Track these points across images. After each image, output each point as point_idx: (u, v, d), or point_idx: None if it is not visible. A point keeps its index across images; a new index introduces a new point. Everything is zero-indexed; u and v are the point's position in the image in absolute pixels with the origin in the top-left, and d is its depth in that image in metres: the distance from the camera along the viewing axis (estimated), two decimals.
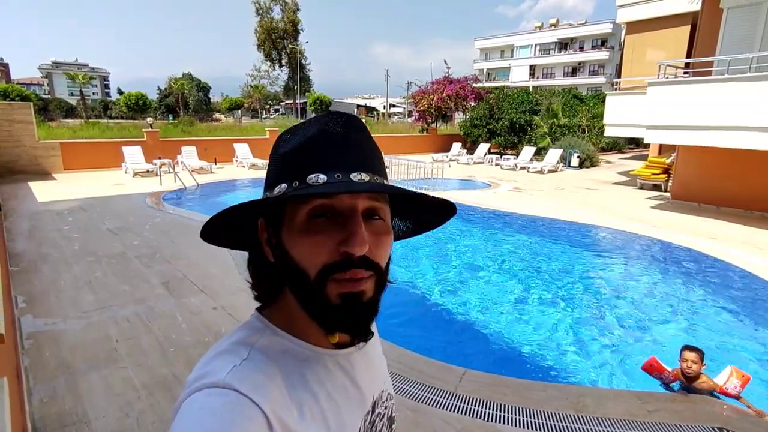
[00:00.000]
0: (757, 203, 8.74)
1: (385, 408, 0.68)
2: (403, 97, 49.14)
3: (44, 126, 17.01)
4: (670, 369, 3.14)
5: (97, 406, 2.66)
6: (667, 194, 10.66)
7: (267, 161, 0.61)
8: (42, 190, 9.68)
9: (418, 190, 0.60)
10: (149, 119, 16.94)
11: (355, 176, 0.52)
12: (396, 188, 0.53)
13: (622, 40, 33.05)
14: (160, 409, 2.65)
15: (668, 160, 11.69)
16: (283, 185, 0.53)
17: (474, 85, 23.17)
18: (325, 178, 0.51)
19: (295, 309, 0.56)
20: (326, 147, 0.53)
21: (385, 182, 0.56)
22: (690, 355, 3.01)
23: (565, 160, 16.31)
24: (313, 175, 0.51)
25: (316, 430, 0.52)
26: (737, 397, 2.92)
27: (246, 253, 0.64)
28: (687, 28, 16.62)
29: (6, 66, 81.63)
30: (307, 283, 0.53)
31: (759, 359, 3.84)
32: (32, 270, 4.95)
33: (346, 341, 0.61)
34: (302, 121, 0.58)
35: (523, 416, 2.67)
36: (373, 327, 0.68)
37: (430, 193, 0.60)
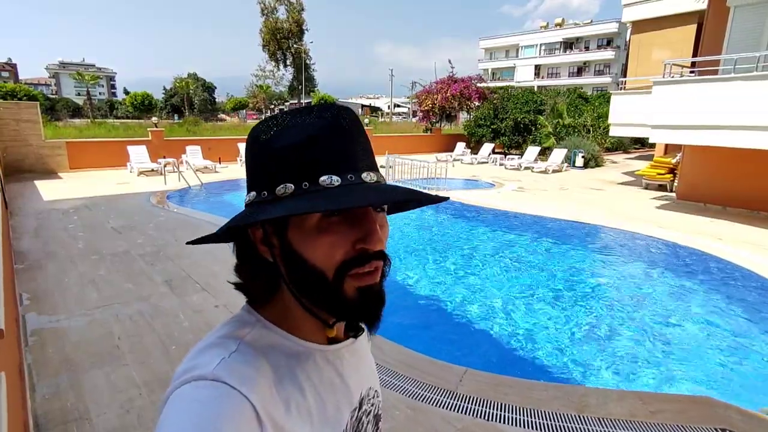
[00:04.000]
0: (764, 204, 8.66)
1: (372, 405, 0.68)
2: (408, 97, 49.09)
3: (51, 125, 17.16)
4: None
5: (99, 403, 2.68)
6: (673, 194, 10.58)
7: None
8: (48, 189, 9.75)
9: (423, 190, 0.59)
10: (154, 119, 17.02)
11: (366, 176, 0.52)
12: (410, 194, 0.52)
13: (627, 39, 32.82)
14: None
15: (674, 160, 11.60)
16: (290, 185, 0.51)
17: (478, 84, 23.10)
18: (339, 180, 0.50)
19: (290, 305, 0.56)
20: (333, 143, 0.51)
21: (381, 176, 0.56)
22: None
23: (569, 160, 16.23)
24: (325, 177, 0.50)
25: (301, 426, 0.52)
26: None
27: None
28: (693, 27, 16.48)
29: (14, 66, 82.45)
30: (326, 283, 0.52)
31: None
32: (37, 268, 4.99)
33: (338, 337, 0.61)
34: (282, 111, 0.55)
35: (524, 416, 2.65)
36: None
37: (433, 194, 0.59)
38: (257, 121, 0.77)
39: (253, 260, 0.57)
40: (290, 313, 0.57)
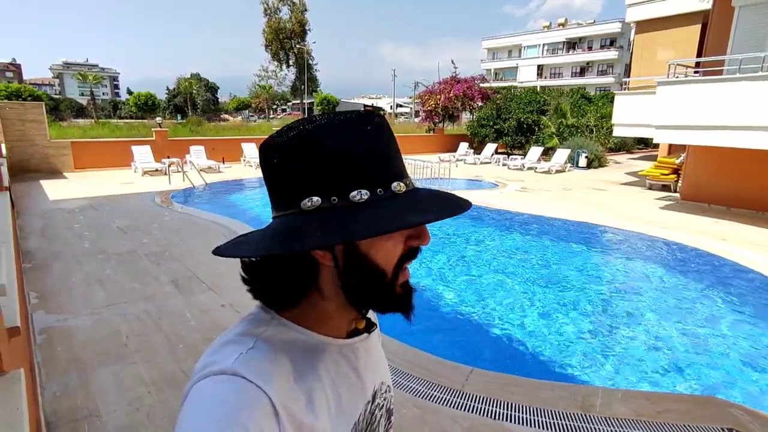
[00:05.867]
0: None
1: (384, 399, 0.69)
2: (410, 97, 49.07)
3: (55, 125, 17.24)
4: None
5: (108, 401, 2.70)
6: (677, 195, 10.56)
7: None
8: (53, 189, 9.81)
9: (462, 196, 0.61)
10: (158, 119, 17.08)
11: (409, 184, 0.57)
12: (460, 209, 0.55)
13: (631, 39, 32.76)
14: (170, 405, 2.68)
15: (678, 161, 11.57)
16: (365, 192, 0.51)
17: (481, 85, 23.08)
18: (404, 187, 0.55)
19: (318, 303, 0.58)
20: (384, 150, 0.55)
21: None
22: None
23: (572, 161, 16.20)
24: (395, 183, 0.54)
25: (321, 418, 0.54)
26: None
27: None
28: (697, 27, 16.43)
29: (18, 66, 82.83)
30: (384, 281, 0.56)
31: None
32: (44, 267, 5.03)
33: (359, 328, 0.64)
34: (334, 113, 0.55)
35: (530, 415, 2.66)
36: (375, 319, 0.69)
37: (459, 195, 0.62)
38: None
39: (295, 264, 0.55)
40: (314, 310, 0.58)
